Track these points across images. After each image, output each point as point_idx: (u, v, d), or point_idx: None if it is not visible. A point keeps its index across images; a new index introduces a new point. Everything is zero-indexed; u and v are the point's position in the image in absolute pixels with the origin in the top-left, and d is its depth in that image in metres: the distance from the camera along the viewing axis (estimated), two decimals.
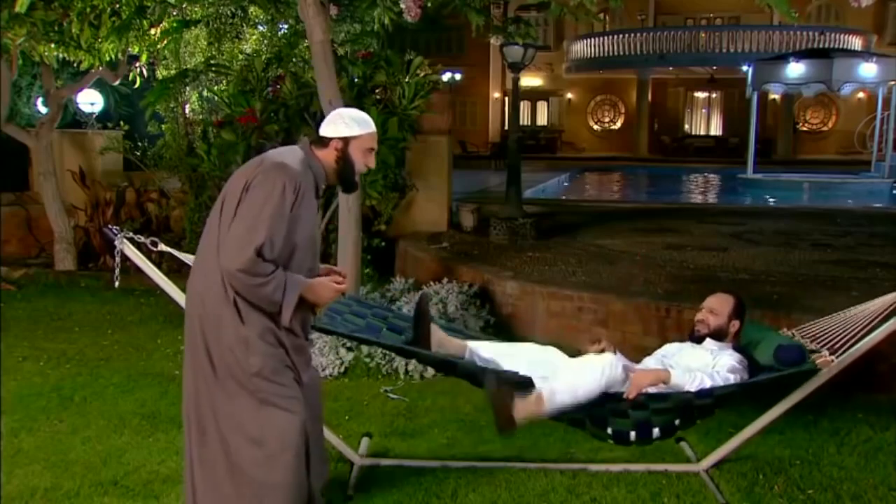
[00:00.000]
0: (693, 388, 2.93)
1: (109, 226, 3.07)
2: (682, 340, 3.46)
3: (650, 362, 3.32)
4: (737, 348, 3.30)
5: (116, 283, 3.04)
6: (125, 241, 2.98)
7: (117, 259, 2.99)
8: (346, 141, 2.62)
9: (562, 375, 2.91)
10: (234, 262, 2.38)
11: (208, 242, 2.51)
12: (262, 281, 2.39)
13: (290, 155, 2.57)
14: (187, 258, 3.12)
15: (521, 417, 2.77)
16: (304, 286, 2.50)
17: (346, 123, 2.63)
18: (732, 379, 3.03)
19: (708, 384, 2.95)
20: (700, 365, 3.14)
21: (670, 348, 3.45)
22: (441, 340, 3.11)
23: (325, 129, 2.66)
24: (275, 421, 2.48)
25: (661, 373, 3.01)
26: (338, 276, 2.69)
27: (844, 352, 2.93)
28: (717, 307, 3.36)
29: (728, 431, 3.61)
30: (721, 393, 2.92)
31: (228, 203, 2.47)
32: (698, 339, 3.34)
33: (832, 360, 2.84)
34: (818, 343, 3.09)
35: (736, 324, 3.33)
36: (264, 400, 2.48)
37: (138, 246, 3.04)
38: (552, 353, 3.18)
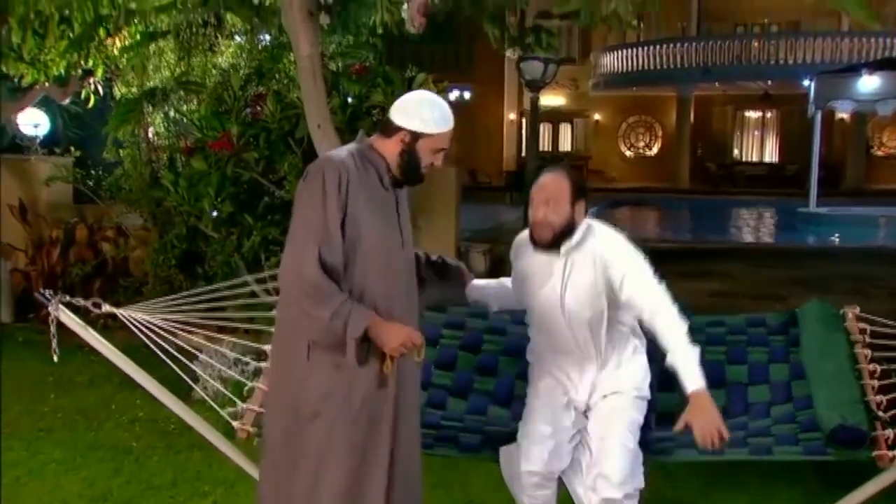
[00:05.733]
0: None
1: (42, 290, 3.05)
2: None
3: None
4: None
5: (55, 357, 3.05)
6: (62, 307, 2.98)
7: (53, 329, 3.01)
8: (415, 136, 2.62)
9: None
10: (296, 276, 2.46)
11: None
12: (325, 298, 2.43)
13: (338, 150, 2.69)
14: (136, 318, 3.11)
15: None
16: (371, 319, 2.50)
17: (421, 116, 2.62)
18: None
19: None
20: (589, 293, 3.03)
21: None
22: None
23: (395, 115, 2.65)
24: None
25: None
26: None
27: None
28: (553, 193, 2.96)
29: None
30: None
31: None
32: (546, 247, 3.00)
33: (893, 457, 2.73)
34: (883, 398, 2.97)
35: (581, 204, 3.00)
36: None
37: (79, 309, 3.04)
38: None
